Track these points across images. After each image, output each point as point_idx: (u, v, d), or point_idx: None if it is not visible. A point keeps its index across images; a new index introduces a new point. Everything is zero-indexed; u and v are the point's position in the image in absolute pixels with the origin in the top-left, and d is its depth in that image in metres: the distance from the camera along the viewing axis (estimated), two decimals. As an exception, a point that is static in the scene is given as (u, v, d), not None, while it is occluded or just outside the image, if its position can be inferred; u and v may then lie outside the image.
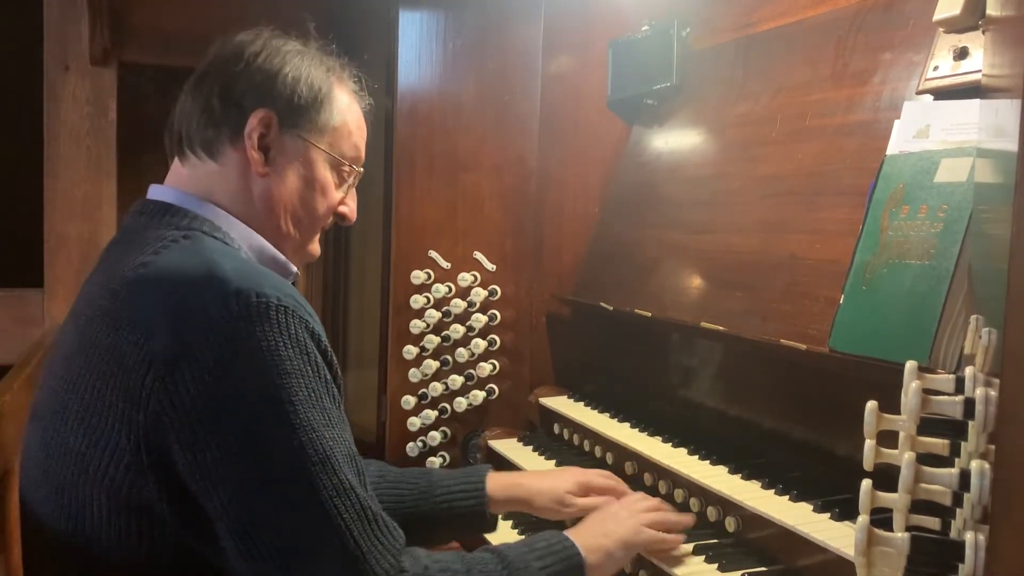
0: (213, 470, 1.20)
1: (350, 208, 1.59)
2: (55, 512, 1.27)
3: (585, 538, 1.54)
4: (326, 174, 1.51)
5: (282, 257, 1.50)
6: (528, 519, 2.02)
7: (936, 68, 1.60)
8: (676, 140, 2.36)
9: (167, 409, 1.20)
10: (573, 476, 1.85)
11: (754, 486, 1.73)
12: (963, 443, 0.89)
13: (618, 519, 1.62)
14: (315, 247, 1.58)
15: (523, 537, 1.55)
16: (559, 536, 1.52)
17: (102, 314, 1.29)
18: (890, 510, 0.91)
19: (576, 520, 1.74)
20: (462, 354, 2.53)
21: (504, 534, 1.98)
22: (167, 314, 1.23)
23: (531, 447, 2.41)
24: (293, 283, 1.52)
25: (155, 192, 1.48)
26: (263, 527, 1.21)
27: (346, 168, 1.55)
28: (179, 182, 1.47)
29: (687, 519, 1.69)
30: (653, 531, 1.63)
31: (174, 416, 1.20)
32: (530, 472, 2.00)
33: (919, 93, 1.62)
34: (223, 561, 1.25)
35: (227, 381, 1.21)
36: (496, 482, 1.82)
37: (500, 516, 1.92)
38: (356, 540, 1.24)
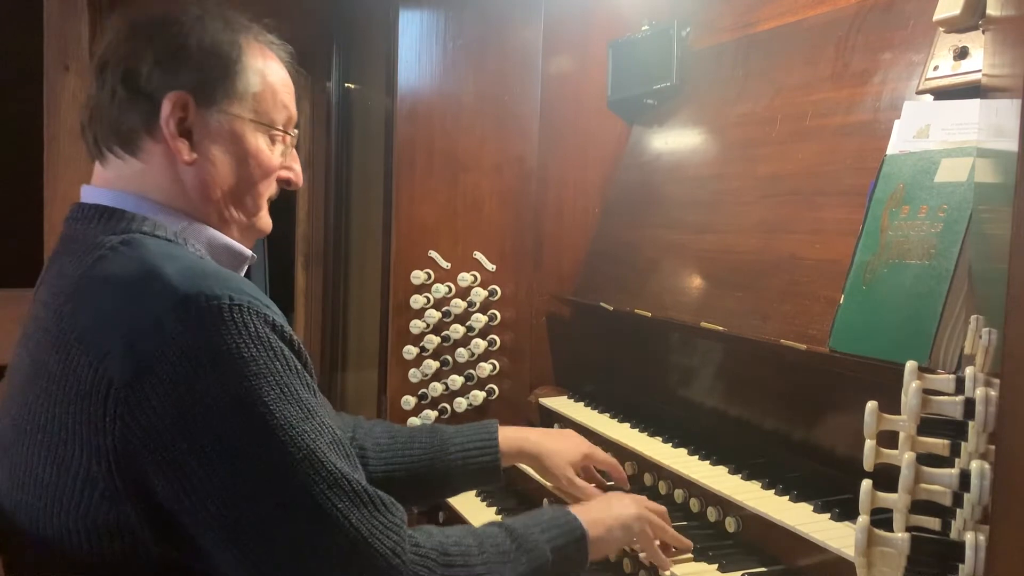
0: (196, 485, 1.15)
1: (294, 172, 1.49)
2: (33, 541, 1.23)
3: (587, 512, 1.56)
4: (258, 143, 1.41)
5: (235, 244, 1.42)
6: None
7: (936, 68, 1.60)
8: (676, 140, 2.36)
9: (135, 431, 1.15)
10: (579, 448, 1.89)
11: (754, 486, 1.73)
12: (963, 443, 0.88)
13: (623, 503, 1.64)
14: (265, 221, 1.47)
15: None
16: (562, 510, 1.55)
17: (50, 338, 1.23)
18: (890, 510, 0.91)
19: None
20: (462, 354, 2.53)
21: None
22: (116, 331, 1.17)
23: (531, 447, 2.41)
24: (251, 267, 1.48)
25: (88, 194, 1.40)
26: (258, 532, 1.18)
27: (278, 133, 1.44)
28: (107, 182, 1.39)
29: (686, 543, 1.68)
30: (651, 529, 1.63)
31: (144, 437, 1.15)
32: (538, 430, 2.01)
33: (919, 93, 1.62)
34: (213, 569, 1.22)
35: (193, 393, 1.15)
36: (506, 436, 1.85)
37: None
38: (355, 527, 1.21)
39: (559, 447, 1.87)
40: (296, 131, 1.50)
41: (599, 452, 1.92)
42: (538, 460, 1.86)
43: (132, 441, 1.15)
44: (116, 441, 1.15)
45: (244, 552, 1.19)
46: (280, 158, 1.46)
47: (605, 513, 1.59)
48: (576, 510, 1.56)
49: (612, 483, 1.93)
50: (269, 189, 1.46)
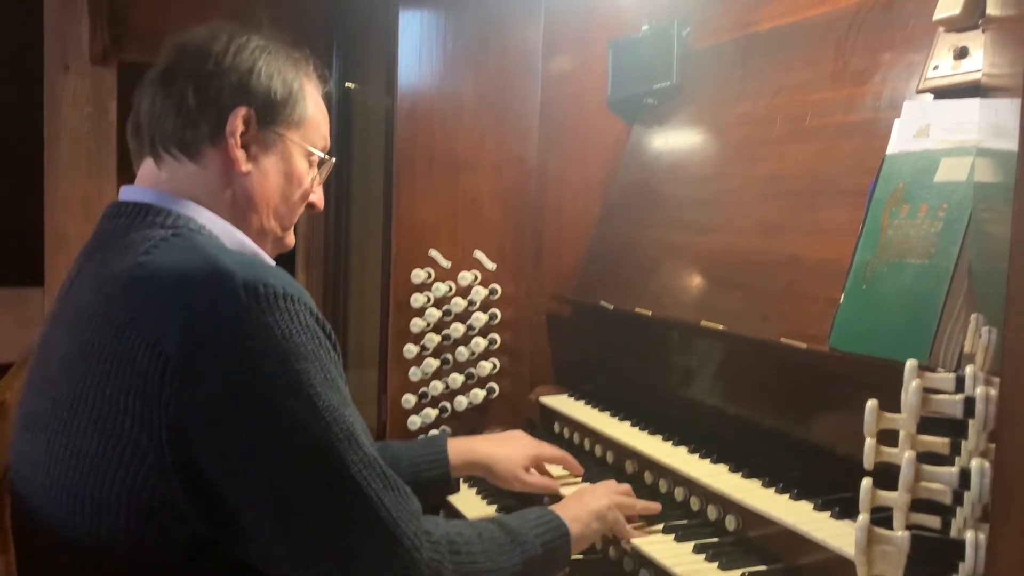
0: (244, 461, 1.22)
1: (319, 197, 1.62)
2: (67, 516, 1.26)
3: (566, 511, 1.68)
4: (302, 167, 1.54)
5: (264, 255, 1.51)
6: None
7: (936, 67, 1.60)
8: (676, 140, 2.37)
9: (189, 406, 1.20)
10: (527, 450, 2.02)
11: (754, 484, 1.74)
12: (963, 442, 0.89)
13: (594, 496, 1.76)
14: (291, 238, 1.61)
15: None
16: (545, 510, 1.67)
17: (101, 319, 1.27)
18: (890, 509, 0.91)
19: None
20: (462, 353, 2.53)
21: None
22: (176, 313, 1.23)
23: (531, 446, 2.41)
24: None
25: (129, 193, 1.46)
26: (301, 509, 1.25)
27: (316, 158, 1.57)
28: (156, 183, 1.46)
29: (654, 505, 1.83)
30: (620, 513, 1.76)
31: (197, 413, 1.21)
32: (485, 438, 2.11)
33: (919, 92, 1.63)
34: (246, 552, 1.27)
35: (248, 373, 1.22)
36: (454, 448, 1.96)
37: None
38: (387, 507, 1.29)
39: (506, 453, 1.99)
40: (333, 159, 1.62)
41: (546, 449, 2.05)
42: (488, 469, 1.99)
43: (186, 416, 1.20)
44: (169, 415, 1.20)
45: (283, 528, 1.25)
46: (310, 182, 1.58)
47: (582, 509, 1.71)
48: (557, 508, 1.68)
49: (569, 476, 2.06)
50: (301, 209, 1.59)
